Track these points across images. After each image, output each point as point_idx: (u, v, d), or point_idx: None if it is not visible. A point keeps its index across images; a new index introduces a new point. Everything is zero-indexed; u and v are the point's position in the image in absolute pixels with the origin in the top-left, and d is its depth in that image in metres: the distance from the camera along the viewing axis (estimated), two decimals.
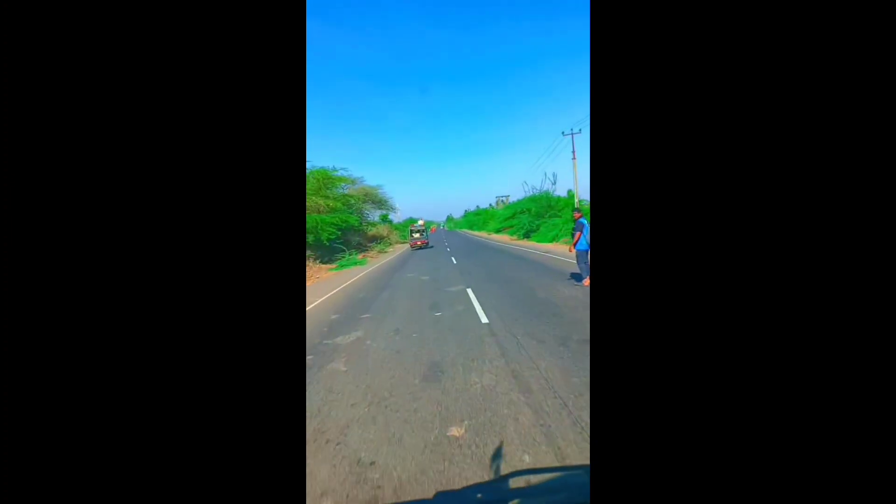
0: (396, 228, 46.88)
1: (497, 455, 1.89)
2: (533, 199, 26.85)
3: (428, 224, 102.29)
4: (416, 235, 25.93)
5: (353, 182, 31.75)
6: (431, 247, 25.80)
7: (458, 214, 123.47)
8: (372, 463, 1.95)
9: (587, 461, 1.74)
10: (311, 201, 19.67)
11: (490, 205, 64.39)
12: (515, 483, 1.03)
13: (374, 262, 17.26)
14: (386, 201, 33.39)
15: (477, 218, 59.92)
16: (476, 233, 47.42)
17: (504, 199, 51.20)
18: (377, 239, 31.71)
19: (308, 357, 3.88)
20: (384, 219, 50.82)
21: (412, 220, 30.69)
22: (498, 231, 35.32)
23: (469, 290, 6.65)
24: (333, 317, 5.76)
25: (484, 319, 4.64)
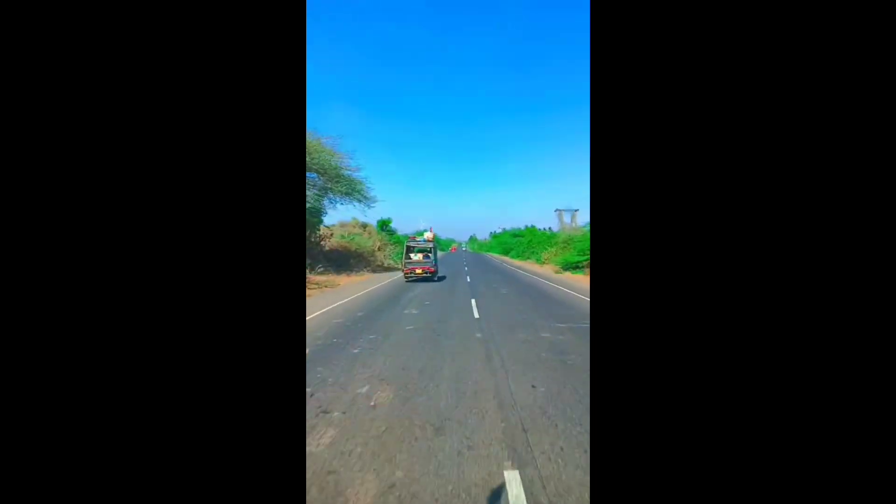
0: (397, 241, 29.70)
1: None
2: None
3: (445, 242, 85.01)
4: (416, 258, 14.07)
5: None
6: (443, 277, 14.02)
7: (482, 236, 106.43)
8: None
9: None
10: None
11: (541, 226, 45.98)
12: None
13: None
14: (351, 180, 16.21)
15: (516, 240, 42.46)
16: (518, 262, 29.92)
17: (570, 213, 33.42)
18: (342, 261, 14.90)
19: None
20: (384, 225, 34.07)
21: (419, 234, 15.80)
22: (575, 267, 17.88)
23: None
24: None
25: None
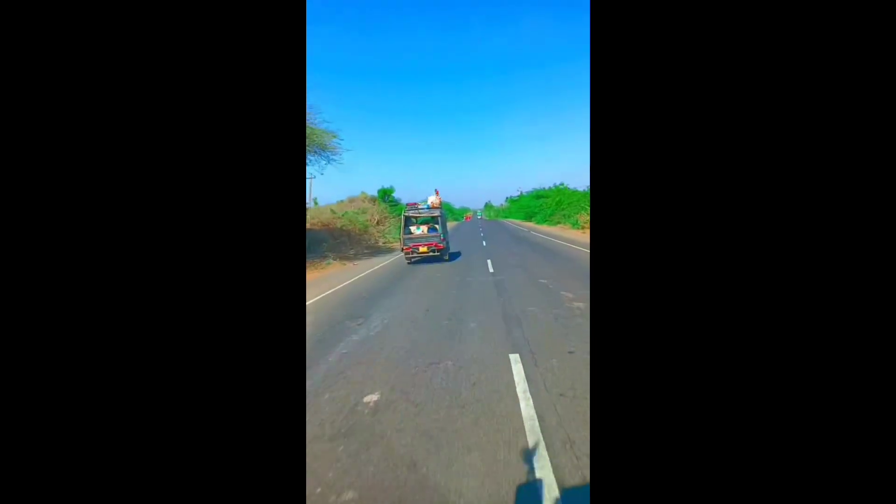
0: (400, 212, 24.09)
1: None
2: None
3: (459, 212, 78.68)
4: (418, 231, 10.56)
5: None
6: (457, 255, 11.09)
7: (497, 202, 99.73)
8: None
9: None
10: None
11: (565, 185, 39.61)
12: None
13: None
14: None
15: (539, 203, 36.36)
16: (548, 228, 24.10)
17: None
18: None
19: None
20: (385, 195, 28.64)
21: (423, 203, 10.94)
22: None
23: None
24: None
25: None
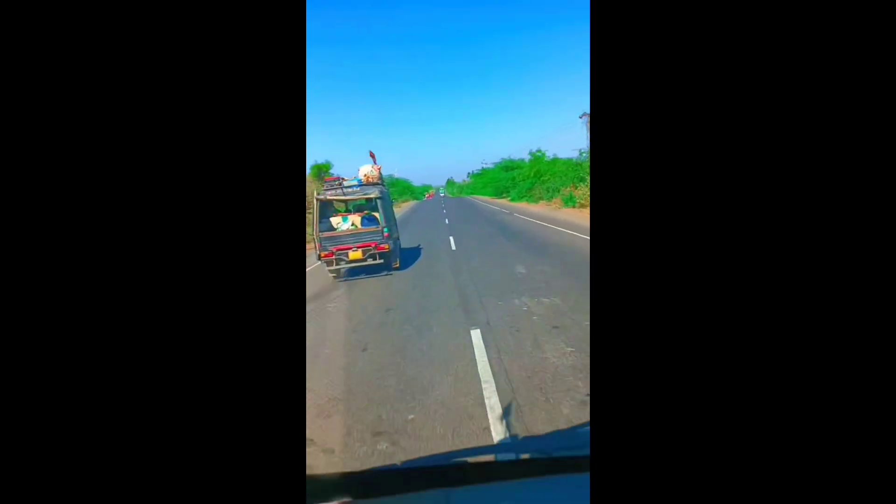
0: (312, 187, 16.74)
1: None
2: None
3: (420, 189, 72.24)
4: (346, 224, 6.20)
5: None
6: (417, 252, 8.29)
7: (460, 178, 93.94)
8: None
9: None
10: None
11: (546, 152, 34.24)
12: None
13: None
14: None
15: (510, 175, 30.87)
16: (526, 206, 18.65)
17: None
18: None
19: None
20: (320, 171, 21.76)
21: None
22: None
23: None
24: None
25: None
